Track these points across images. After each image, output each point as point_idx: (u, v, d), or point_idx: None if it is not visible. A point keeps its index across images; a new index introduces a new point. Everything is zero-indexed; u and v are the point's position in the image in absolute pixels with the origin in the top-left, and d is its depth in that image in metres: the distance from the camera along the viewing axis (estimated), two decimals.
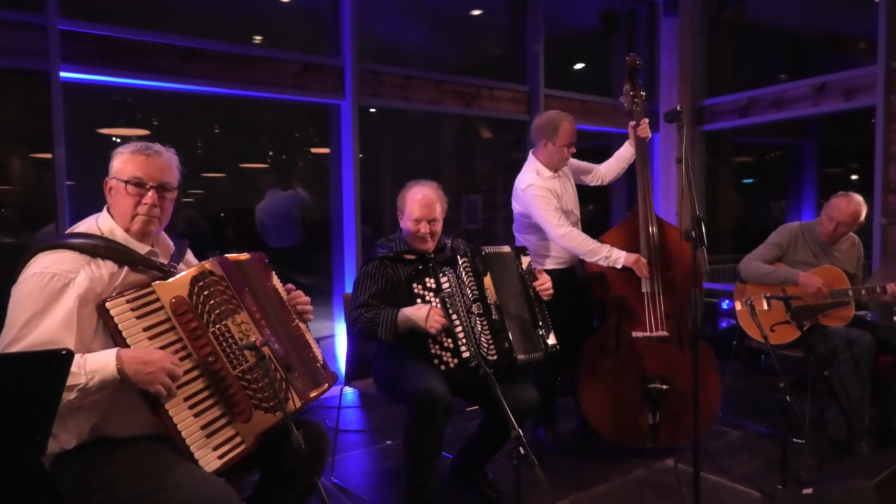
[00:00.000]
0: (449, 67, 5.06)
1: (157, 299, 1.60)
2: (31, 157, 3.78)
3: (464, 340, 2.35)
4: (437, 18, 5.31)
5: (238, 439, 1.64)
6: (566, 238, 3.01)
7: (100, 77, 3.42)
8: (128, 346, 1.51)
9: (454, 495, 2.69)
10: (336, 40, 4.25)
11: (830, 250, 3.36)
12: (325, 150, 4.74)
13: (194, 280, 1.68)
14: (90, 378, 1.45)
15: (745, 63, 6.08)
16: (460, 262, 2.46)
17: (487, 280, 2.48)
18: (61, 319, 1.51)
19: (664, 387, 2.99)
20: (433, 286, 2.43)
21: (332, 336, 4.46)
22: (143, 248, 1.72)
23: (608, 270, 3.04)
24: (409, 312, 2.38)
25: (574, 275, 3.29)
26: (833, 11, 5.78)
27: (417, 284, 2.46)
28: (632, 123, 3.22)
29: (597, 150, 5.66)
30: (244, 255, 1.94)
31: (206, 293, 1.69)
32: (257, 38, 4.36)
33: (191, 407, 1.57)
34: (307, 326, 2.07)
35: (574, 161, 3.29)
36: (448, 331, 2.37)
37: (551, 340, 2.55)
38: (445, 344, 2.38)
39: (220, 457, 1.59)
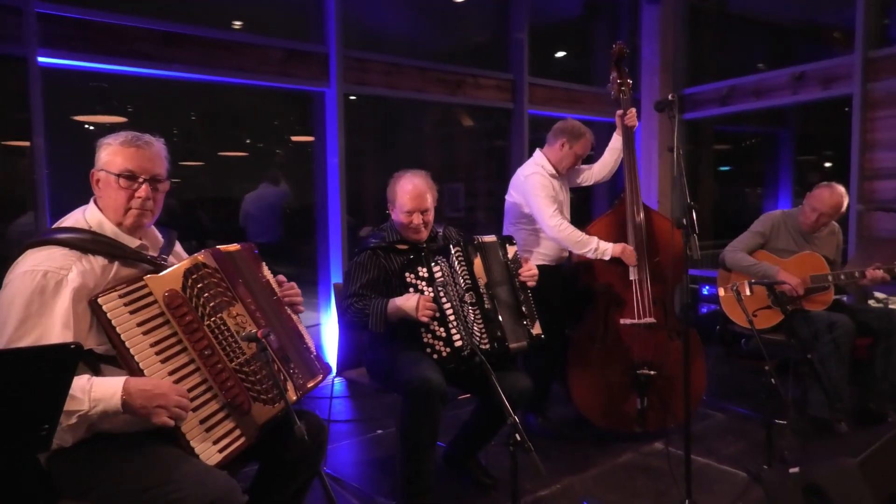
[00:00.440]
0: (433, 55, 5.02)
1: (150, 293, 1.56)
2: (4, 144, 3.65)
3: (456, 329, 2.36)
4: (421, 5, 5.26)
5: (238, 432, 1.62)
6: (557, 229, 3.02)
7: (79, 62, 3.32)
8: (122, 342, 1.47)
9: (448, 482, 2.71)
10: (320, 26, 4.18)
11: (811, 237, 3.43)
12: (307, 139, 4.68)
13: (188, 273, 1.65)
14: (93, 406, 1.41)
15: (725, 52, 6.15)
16: (453, 252, 2.45)
17: (479, 269, 2.48)
18: (60, 319, 1.46)
19: (652, 372, 3.04)
20: (425, 275, 2.42)
21: (318, 325, 4.43)
22: (133, 242, 1.67)
23: (596, 260, 3.07)
24: (399, 303, 2.37)
25: (559, 273, 3.31)
26: (812, 2, 5.87)
27: (410, 274, 2.44)
28: (619, 112, 3.24)
29: None
30: (234, 246, 1.89)
31: (199, 286, 1.66)
32: (237, 24, 4.26)
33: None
34: (298, 317, 2.05)
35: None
36: (440, 320, 2.37)
37: (535, 330, 2.57)
38: (438, 333, 2.38)
39: (221, 450, 1.57)
